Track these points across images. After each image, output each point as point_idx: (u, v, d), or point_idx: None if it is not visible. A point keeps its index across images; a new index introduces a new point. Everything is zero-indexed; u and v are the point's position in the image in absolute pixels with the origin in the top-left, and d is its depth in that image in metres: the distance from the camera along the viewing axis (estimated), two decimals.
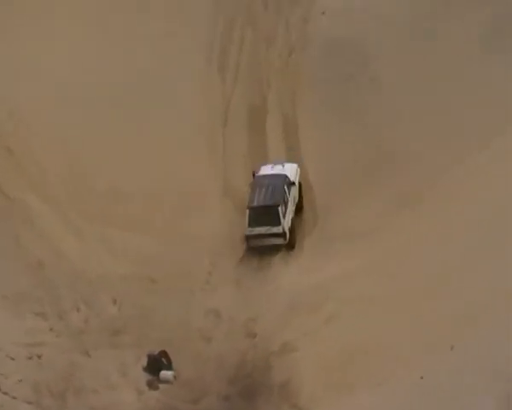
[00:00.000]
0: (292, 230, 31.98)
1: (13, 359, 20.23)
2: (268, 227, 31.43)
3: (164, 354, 22.83)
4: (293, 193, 32.85)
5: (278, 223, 31.43)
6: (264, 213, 31.68)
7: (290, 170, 33.67)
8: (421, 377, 17.99)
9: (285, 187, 32.63)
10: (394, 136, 31.67)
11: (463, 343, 17.95)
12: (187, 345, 23.66)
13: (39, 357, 20.87)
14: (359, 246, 26.68)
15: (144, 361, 22.60)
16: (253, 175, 33.63)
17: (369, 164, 31.23)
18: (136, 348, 22.95)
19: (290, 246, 31.79)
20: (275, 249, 31.07)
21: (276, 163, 33.96)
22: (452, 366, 17.55)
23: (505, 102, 28.75)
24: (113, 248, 27.20)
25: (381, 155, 31.24)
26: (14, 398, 18.51)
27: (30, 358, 20.65)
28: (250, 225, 31.60)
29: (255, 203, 32.32)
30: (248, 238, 31.61)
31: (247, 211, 31.96)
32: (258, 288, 26.78)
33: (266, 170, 33.94)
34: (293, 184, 33.03)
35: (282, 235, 31.54)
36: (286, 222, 31.77)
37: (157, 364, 22.61)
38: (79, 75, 33.75)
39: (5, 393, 18.58)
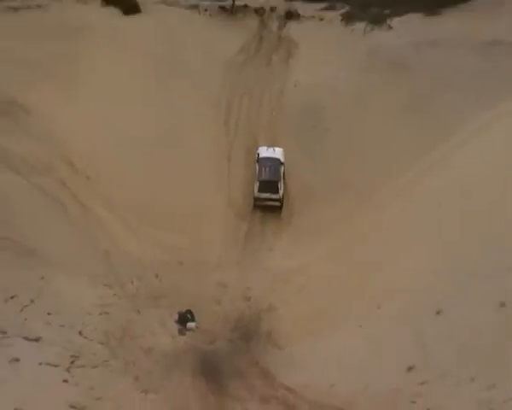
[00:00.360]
0: (282, 198, 34.08)
1: (90, 314, 20.41)
2: (270, 194, 33.86)
3: (189, 311, 23.22)
4: (283, 170, 34.91)
5: (277, 192, 33.78)
6: (268, 185, 34.01)
7: (280, 154, 35.61)
8: (360, 326, 18.63)
9: (279, 167, 34.85)
10: (341, 166, 32.46)
11: (392, 303, 18.46)
12: (204, 306, 24.09)
13: (107, 313, 21.07)
14: (322, 239, 27.27)
15: (176, 316, 23.01)
16: (257, 155, 35.75)
17: (327, 184, 31.92)
18: (171, 308, 23.32)
19: (280, 207, 33.96)
20: (272, 210, 33.65)
21: (268, 148, 35.93)
22: (381, 319, 18.00)
23: (415, 148, 29.40)
24: (156, 242, 27.61)
25: (333, 178, 32.01)
26: (91, 340, 18.74)
27: (101, 314, 20.84)
28: (259, 190, 33.98)
29: (263, 177, 34.43)
30: (256, 199, 34.11)
31: (258, 182, 34.26)
32: (252, 267, 27.19)
33: (264, 151, 35.80)
34: (283, 163, 35.09)
35: (279, 200, 33.89)
36: (281, 192, 34.03)
37: (184, 318, 23.01)
38: (128, 129, 34.00)
39: (85, 337, 18.76)
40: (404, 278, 19.23)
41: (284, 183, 34.72)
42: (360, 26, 46.11)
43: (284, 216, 32.20)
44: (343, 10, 49.65)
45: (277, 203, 34.25)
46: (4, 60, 35.97)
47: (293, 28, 47.13)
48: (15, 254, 20.89)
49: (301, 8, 50.03)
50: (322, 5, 51.41)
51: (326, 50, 42.86)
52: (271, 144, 35.92)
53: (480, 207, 19.32)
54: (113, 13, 45.25)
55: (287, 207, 32.82)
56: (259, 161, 35.58)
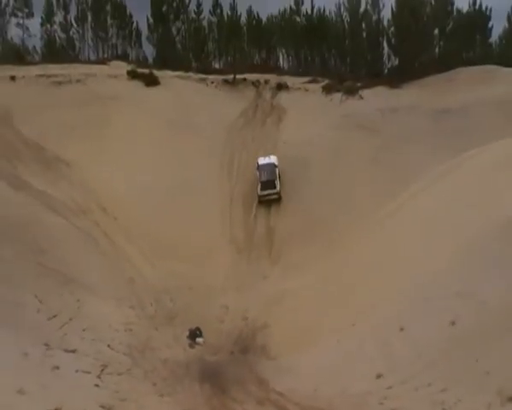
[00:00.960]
0: (280, 191, 36.77)
1: (117, 330, 20.48)
2: (269, 190, 36.64)
3: (198, 329, 23.08)
4: (278, 171, 37.48)
5: (275, 188, 36.65)
6: (268, 184, 36.77)
7: (274, 159, 38.27)
8: (338, 341, 18.62)
9: (275, 169, 37.45)
10: (322, 209, 32.89)
11: (364, 321, 18.50)
12: (210, 324, 24.01)
13: (131, 330, 21.14)
14: (306, 269, 27.21)
15: (187, 333, 22.89)
16: (257, 164, 38.10)
17: (311, 225, 32.15)
18: (183, 326, 23.26)
19: (279, 199, 36.72)
20: (273, 202, 36.63)
21: (265, 157, 38.63)
22: (355, 334, 18.04)
23: (382, 193, 29.74)
24: (170, 271, 27.58)
25: (316, 220, 32.30)
26: (118, 352, 18.70)
27: (125, 330, 20.91)
28: (261, 189, 36.69)
29: (263, 179, 36.99)
30: (260, 196, 36.70)
31: (260, 183, 36.93)
32: (250, 292, 27.12)
33: (262, 160, 38.35)
34: (277, 166, 37.57)
35: (277, 193, 36.67)
36: (278, 187, 36.81)
37: (194, 334, 22.87)
38: (149, 178, 34.46)
39: (112, 349, 18.75)
40: (375, 299, 19.31)
41: (280, 180, 37.27)
42: (337, 95, 47.10)
43: (275, 253, 32.10)
44: (323, 83, 50.67)
45: (276, 196, 37.01)
46: (50, 124, 36.60)
47: (283, 97, 48.11)
48: (59, 281, 21.09)
49: (290, 81, 51.11)
50: (307, 79, 52.48)
51: (309, 115, 43.57)
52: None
53: (435, 242, 19.48)
54: (138, 85, 46.07)
55: (276, 246, 32.74)
56: (259, 167, 37.87)
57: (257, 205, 36.76)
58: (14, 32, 59.37)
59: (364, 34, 60.39)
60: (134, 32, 64.03)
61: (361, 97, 46.66)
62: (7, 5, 58.65)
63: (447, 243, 18.37)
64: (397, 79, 49.81)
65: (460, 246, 17.46)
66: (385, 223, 26.03)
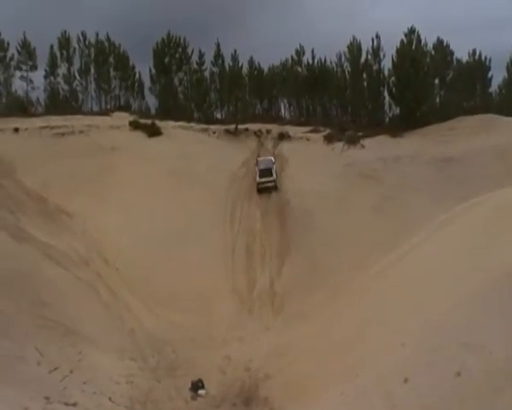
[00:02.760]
0: (275, 180, 42.08)
1: (118, 383, 20.35)
2: (267, 178, 41.98)
3: (200, 380, 22.61)
4: (274, 166, 43.52)
5: (271, 176, 42.10)
6: (265, 172, 42.29)
7: (272, 158, 45.13)
8: (341, 393, 18.47)
9: (271, 162, 43.85)
10: (324, 259, 33.03)
11: (368, 373, 18.36)
12: (212, 375, 23.61)
13: (132, 382, 20.98)
14: (308, 320, 26.99)
15: (189, 385, 22.43)
16: (256, 159, 44.99)
17: (313, 275, 32.22)
18: (185, 378, 22.87)
19: (276, 188, 41.89)
20: (270, 190, 41.69)
21: (263, 157, 45.85)
22: (359, 386, 17.88)
23: (383, 243, 29.78)
24: (172, 322, 27.61)
25: (317, 270, 32.30)
26: (119, 405, 18.63)
27: (127, 383, 20.77)
28: (259, 177, 42.18)
29: (261, 167, 42.91)
30: (258, 183, 42.14)
31: (258, 171, 42.60)
32: (252, 344, 26.97)
33: (260, 158, 45.39)
34: (274, 163, 44.01)
35: (274, 181, 41.92)
36: (274, 176, 42.15)
37: (196, 386, 22.41)
38: (150, 229, 34.86)
39: (113, 402, 18.66)
40: (378, 350, 19.22)
41: (276, 173, 42.69)
42: (339, 145, 47.95)
43: (278, 302, 31.94)
44: (325, 132, 51.50)
45: (273, 184, 42.04)
46: (53, 175, 37.13)
47: (285, 147, 48.91)
48: (60, 333, 21.14)
49: (291, 131, 52.02)
50: (308, 128, 53.40)
51: (311, 164, 44.24)
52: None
53: (438, 292, 19.48)
54: (140, 136, 46.95)
55: (279, 295, 32.62)
56: (257, 163, 44.06)
57: (256, 193, 42.01)
58: (18, 85, 61.40)
59: (365, 84, 61.90)
60: (136, 83, 65.77)
61: (363, 146, 47.43)
62: (11, 59, 60.37)
63: (451, 293, 18.40)
64: (398, 128, 50.81)
65: (464, 296, 17.49)
66: (388, 272, 25.99)
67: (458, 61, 61.13)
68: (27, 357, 18.84)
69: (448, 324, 17.09)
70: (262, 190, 42.09)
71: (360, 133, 49.84)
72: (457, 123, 48.45)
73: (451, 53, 60.84)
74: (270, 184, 41.81)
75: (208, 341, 26.80)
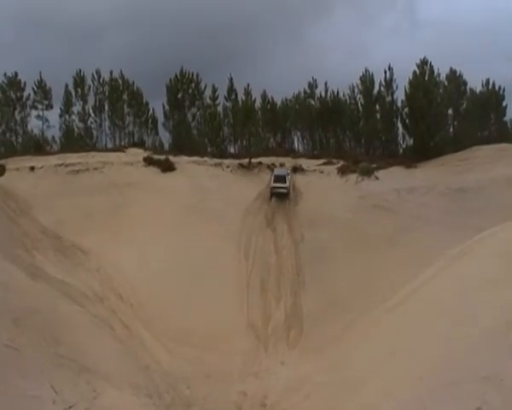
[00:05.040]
0: (289, 189, 45.31)
1: None
2: (281, 184, 45.22)
3: None
4: (290, 176, 47.35)
5: (285, 183, 45.28)
6: (280, 178, 45.82)
7: (287, 170, 49.15)
8: None
9: (286, 172, 47.93)
10: (339, 291, 33.00)
11: (385, 406, 18.30)
12: None
13: None
14: (323, 354, 26.88)
15: None
16: (273, 170, 49.78)
17: (328, 308, 32.17)
18: None
19: (288, 195, 44.93)
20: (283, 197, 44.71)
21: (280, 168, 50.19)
22: None
23: (399, 275, 29.85)
24: (187, 358, 27.71)
25: (332, 302, 32.30)
26: None
27: None
28: (274, 181, 45.56)
29: (275, 173, 47.24)
30: (272, 188, 45.32)
31: (273, 176, 46.47)
32: (268, 379, 27.01)
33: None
34: (289, 174, 47.65)
35: (287, 188, 44.97)
36: (288, 184, 45.37)
37: None
38: (164, 264, 35.03)
39: None
40: (393, 385, 19.11)
41: (290, 182, 45.94)
42: (353, 176, 48.05)
43: (292, 339, 31.90)
44: (339, 164, 51.74)
45: (285, 191, 44.92)
46: (68, 212, 37.73)
47: (298, 180, 48.97)
48: (75, 370, 21.11)
49: (305, 164, 52.33)
50: (322, 161, 53.72)
51: (326, 196, 44.34)
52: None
53: (456, 322, 19.40)
54: (154, 171, 47.54)
55: (294, 329, 32.61)
56: (273, 172, 48.37)
57: (270, 198, 45.10)
58: (34, 124, 62.99)
59: (379, 115, 62.19)
60: (150, 120, 66.60)
61: (377, 178, 47.54)
62: (28, 98, 61.88)
63: (469, 327, 18.35)
64: (412, 158, 50.96)
65: (483, 330, 17.46)
66: (403, 305, 25.88)
67: (472, 91, 61.40)
68: (43, 396, 18.85)
69: (467, 358, 17.02)
70: (275, 194, 45.05)
71: (374, 165, 50.02)
72: (472, 153, 48.50)
73: (465, 83, 61.12)
74: (283, 190, 44.79)
75: (223, 376, 26.85)
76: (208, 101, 65.11)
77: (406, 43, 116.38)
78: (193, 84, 64.33)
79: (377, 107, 62.30)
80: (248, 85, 63.80)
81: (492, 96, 60.60)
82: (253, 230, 41.56)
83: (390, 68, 61.26)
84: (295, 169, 51.37)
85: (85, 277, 32.41)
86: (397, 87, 60.78)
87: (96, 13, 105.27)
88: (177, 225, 39.34)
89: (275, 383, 26.33)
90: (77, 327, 25.27)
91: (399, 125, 60.08)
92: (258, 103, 65.42)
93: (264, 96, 66.11)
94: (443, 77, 59.30)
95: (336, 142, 64.55)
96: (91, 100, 64.23)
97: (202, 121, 65.06)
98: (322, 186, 47.00)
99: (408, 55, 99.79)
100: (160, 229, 38.55)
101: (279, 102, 66.75)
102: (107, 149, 58.59)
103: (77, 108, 63.90)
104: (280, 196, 44.85)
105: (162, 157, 51.46)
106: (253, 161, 52.76)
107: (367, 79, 62.79)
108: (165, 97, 63.85)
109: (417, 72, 56.38)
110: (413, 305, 25.10)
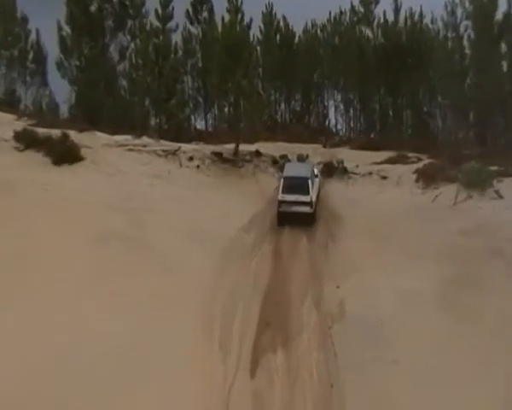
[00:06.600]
0: (315, 205, 45.18)
1: None
2: (298, 196, 44.84)
3: None
4: (317, 182, 48.30)
5: (307, 194, 44.89)
6: (295, 183, 45.39)
7: (312, 164, 51.66)
8: None
9: (312, 169, 48.85)
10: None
11: None
12: None
13: None
14: None
15: None
16: (283, 164, 51.57)
17: None
18: None
19: (313, 219, 45.20)
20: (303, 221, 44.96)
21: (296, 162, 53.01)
22: None
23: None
24: None
25: None
26: None
27: None
28: (283, 191, 45.21)
29: (289, 174, 46.97)
30: (280, 203, 45.14)
31: (282, 180, 45.96)
32: None
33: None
34: (317, 176, 48.78)
35: (310, 205, 44.80)
36: (312, 196, 45.14)
37: None
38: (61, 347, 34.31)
39: None
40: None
41: (317, 192, 48.96)
42: (449, 189, 48.70)
43: None
44: (419, 163, 53.90)
45: (308, 209, 45.45)
46: None
47: (336, 194, 51.97)
48: None
49: (350, 159, 53.55)
50: (385, 154, 56.88)
51: (390, 233, 46.11)
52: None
53: None
54: (39, 161, 48.63)
55: None
56: (283, 169, 50.63)
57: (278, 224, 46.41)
58: None
59: (505, 65, 64.77)
60: (31, 53, 76.11)
61: (498, 195, 48.17)
62: None
63: None
64: None
65: None
66: None
67: None
68: None
69: None
70: (286, 218, 45.65)
71: (494, 167, 49.56)
72: None
73: None
74: (303, 210, 45.39)
75: None
76: (154, 21, 65.27)
77: None
78: None
79: (502, 46, 62.60)
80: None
81: None
82: (237, 296, 40.41)
83: None
84: (330, 168, 51.27)
85: None
86: None
87: None
88: (82, 274, 38.22)
89: None
90: None
91: None
92: (256, 31, 65.41)
93: (269, 15, 66.02)
94: None
95: (415, 115, 64.30)
96: None
97: (140, 63, 64.90)
98: (386, 208, 46.76)
99: None
100: (52, 293, 37.56)
101: (299, 32, 66.99)
102: None
103: None
104: (296, 219, 45.04)
105: (56, 132, 50.94)
106: (244, 148, 52.49)
107: None
108: (62, 10, 63.71)
109: None
110: None
